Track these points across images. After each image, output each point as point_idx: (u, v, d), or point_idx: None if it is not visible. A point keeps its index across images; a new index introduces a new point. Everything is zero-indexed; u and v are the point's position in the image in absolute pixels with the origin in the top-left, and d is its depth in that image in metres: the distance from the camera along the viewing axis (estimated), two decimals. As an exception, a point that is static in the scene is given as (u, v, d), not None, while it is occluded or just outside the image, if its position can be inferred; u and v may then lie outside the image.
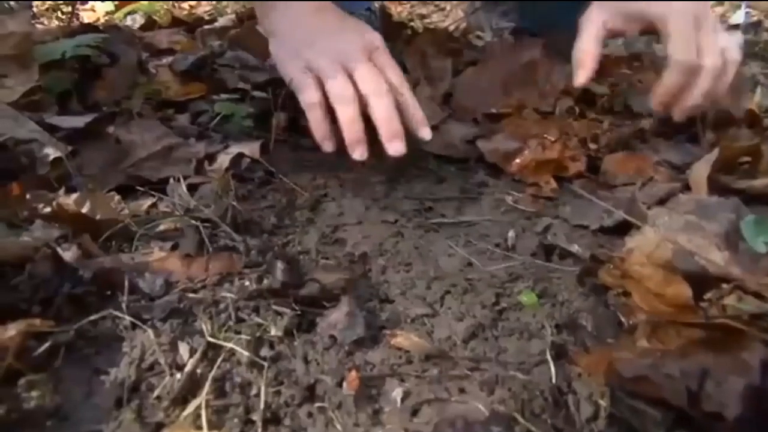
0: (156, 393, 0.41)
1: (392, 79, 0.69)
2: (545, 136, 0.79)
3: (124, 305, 0.47)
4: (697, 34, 0.73)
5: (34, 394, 0.39)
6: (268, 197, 0.68)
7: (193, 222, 0.58)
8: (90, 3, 1.66)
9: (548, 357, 0.46)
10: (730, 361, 0.40)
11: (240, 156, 0.73)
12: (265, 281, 0.50)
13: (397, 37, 1.31)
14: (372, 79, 0.67)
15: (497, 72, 0.98)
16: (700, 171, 0.68)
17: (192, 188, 0.65)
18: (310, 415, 0.41)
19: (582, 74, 0.78)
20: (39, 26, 1.38)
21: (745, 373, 0.38)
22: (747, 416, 0.36)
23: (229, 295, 0.50)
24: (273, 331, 0.46)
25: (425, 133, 0.69)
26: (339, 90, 0.67)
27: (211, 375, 0.42)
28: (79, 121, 0.72)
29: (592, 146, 0.81)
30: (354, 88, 0.67)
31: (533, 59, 0.98)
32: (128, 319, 0.46)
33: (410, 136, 0.73)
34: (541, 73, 0.97)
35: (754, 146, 0.72)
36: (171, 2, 1.65)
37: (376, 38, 0.70)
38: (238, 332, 0.46)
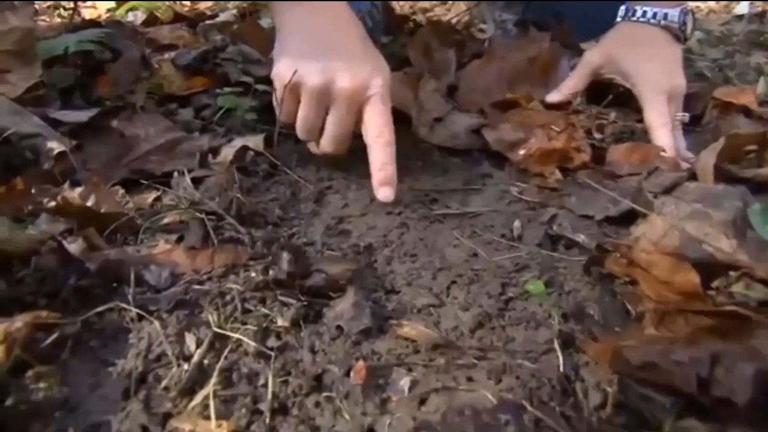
0: (163, 384, 0.41)
1: (369, 131, 0.65)
2: (551, 126, 0.79)
3: (130, 297, 0.47)
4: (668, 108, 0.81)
5: (41, 385, 0.39)
6: (272, 190, 0.68)
7: (198, 215, 0.58)
8: (91, 0, 1.66)
9: (556, 346, 0.46)
10: (739, 348, 0.40)
11: (244, 149, 0.72)
12: (271, 272, 0.50)
13: (400, 30, 1.31)
14: (333, 131, 0.67)
15: (502, 66, 0.98)
16: (707, 159, 0.67)
17: (196, 181, 0.65)
18: (317, 404, 0.41)
19: (554, 96, 0.89)
20: (41, 23, 1.38)
21: (754, 359, 0.38)
22: (757, 401, 0.36)
23: (235, 286, 0.50)
24: (280, 322, 0.46)
25: (381, 194, 0.64)
26: (304, 123, 0.67)
27: (218, 366, 0.42)
28: (82, 116, 0.72)
29: (598, 136, 0.81)
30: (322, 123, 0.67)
31: (539, 53, 0.98)
32: (134, 310, 0.46)
33: (414, 131, 0.73)
34: (547, 66, 0.96)
35: (760, 135, 0.72)
36: (171, 0, 1.64)
37: (376, 83, 0.64)
38: (244, 323, 0.46)
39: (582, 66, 0.89)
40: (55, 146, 0.65)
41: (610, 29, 0.90)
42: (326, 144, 0.68)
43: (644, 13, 0.85)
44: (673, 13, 0.84)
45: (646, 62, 0.84)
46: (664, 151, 0.76)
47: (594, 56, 0.89)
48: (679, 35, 0.85)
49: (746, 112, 0.86)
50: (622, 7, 0.89)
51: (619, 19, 0.89)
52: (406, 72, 0.97)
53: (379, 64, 0.67)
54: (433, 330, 0.47)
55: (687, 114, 0.84)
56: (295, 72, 0.64)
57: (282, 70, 0.65)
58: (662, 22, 0.84)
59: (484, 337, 0.47)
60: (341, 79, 0.63)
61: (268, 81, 0.83)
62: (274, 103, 0.70)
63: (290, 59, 0.65)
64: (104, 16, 1.52)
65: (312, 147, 0.72)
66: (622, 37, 0.88)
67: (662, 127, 0.79)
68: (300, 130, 0.69)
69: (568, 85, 0.89)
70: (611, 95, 0.89)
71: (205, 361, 0.43)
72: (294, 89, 0.65)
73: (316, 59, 0.64)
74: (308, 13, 0.66)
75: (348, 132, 0.67)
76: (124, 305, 0.46)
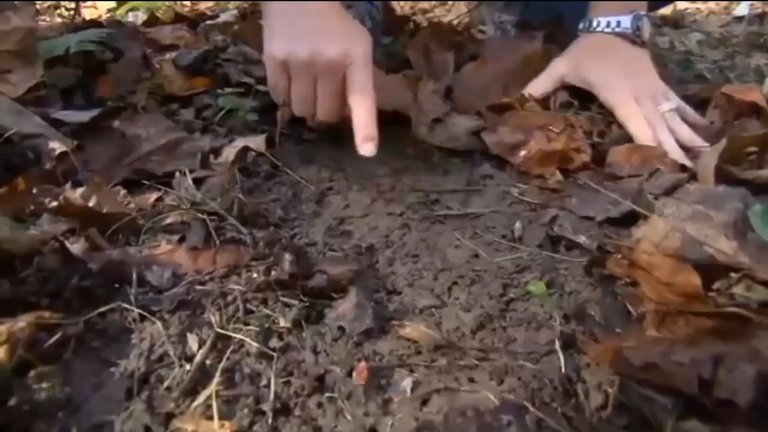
0: (166, 384, 0.41)
1: (354, 94, 0.70)
2: (549, 127, 0.79)
3: (132, 297, 0.47)
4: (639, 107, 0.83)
5: (44, 385, 0.39)
6: (274, 190, 0.68)
7: (200, 215, 0.58)
8: (91, 0, 1.66)
9: (557, 347, 0.46)
10: (741, 349, 0.40)
11: (245, 149, 0.72)
12: (273, 273, 0.50)
13: (400, 31, 1.31)
14: (323, 100, 0.72)
15: (497, 67, 0.98)
16: (708, 161, 0.67)
17: (198, 182, 0.65)
18: (320, 405, 0.41)
19: (530, 89, 0.91)
20: (41, 23, 1.37)
21: (756, 361, 0.38)
22: (759, 403, 0.36)
23: (237, 287, 0.50)
24: (282, 323, 0.46)
25: (365, 150, 0.69)
26: (298, 96, 0.73)
27: (220, 366, 0.42)
28: (84, 116, 0.72)
29: (597, 139, 0.81)
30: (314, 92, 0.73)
31: (533, 53, 0.98)
32: (137, 311, 0.46)
33: (414, 132, 0.73)
34: (541, 66, 0.96)
35: (761, 137, 0.72)
36: (172, 1, 1.64)
37: (356, 51, 0.69)
38: (246, 324, 0.46)
39: (548, 72, 0.92)
40: (57, 146, 0.65)
41: (573, 42, 0.94)
42: (320, 114, 0.74)
43: (598, 23, 0.90)
44: (625, 20, 0.88)
45: (605, 68, 0.87)
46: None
47: (559, 65, 0.92)
48: (635, 39, 0.88)
49: (756, 111, 0.85)
50: (582, 22, 0.94)
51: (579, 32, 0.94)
52: (405, 74, 0.97)
53: (359, 35, 0.72)
54: (434, 331, 0.47)
55: (671, 102, 0.83)
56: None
57: (272, 51, 0.71)
58: (616, 30, 0.89)
59: (486, 338, 0.47)
60: (324, 50, 0.69)
61: (269, 81, 0.83)
62: (269, 84, 0.75)
63: (278, 40, 0.71)
64: (105, 17, 1.52)
65: (309, 122, 0.78)
66: (582, 48, 0.92)
67: (633, 118, 0.81)
68: (295, 105, 0.74)
69: (535, 87, 0.91)
70: None
71: (208, 362, 0.43)
72: (284, 66, 0.71)
73: (302, 36, 0.70)
74: (290, 3, 0.73)
75: (337, 100, 0.72)
76: (126, 305, 0.46)
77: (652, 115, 0.81)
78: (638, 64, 0.88)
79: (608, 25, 0.89)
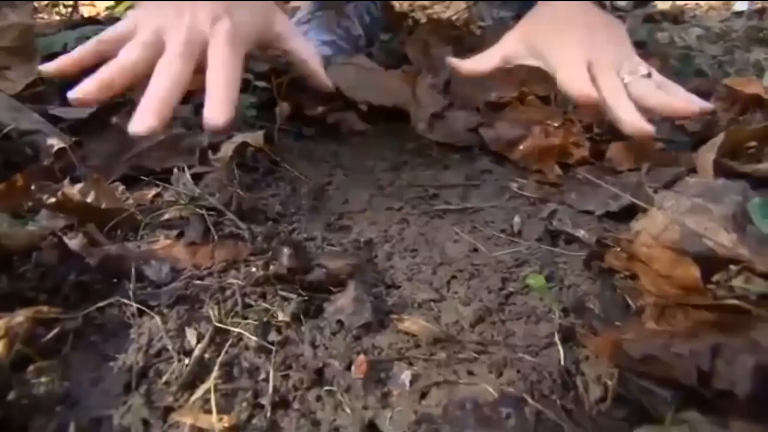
0: (164, 378, 0.41)
1: (211, 56, 0.59)
2: (548, 122, 0.79)
3: (130, 292, 0.47)
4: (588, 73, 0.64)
5: (43, 380, 0.39)
6: (272, 186, 0.68)
7: (198, 210, 0.58)
8: (90, -1, 1.65)
9: (556, 339, 0.46)
10: (740, 341, 0.40)
11: (244, 145, 0.72)
12: (272, 267, 0.50)
13: (399, 27, 1.31)
14: (168, 62, 0.59)
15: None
16: (707, 155, 0.67)
17: (196, 177, 0.65)
18: (318, 398, 0.41)
19: (465, 65, 0.76)
20: (40, 20, 1.37)
21: (755, 352, 0.38)
22: (757, 394, 0.36)
23: (235, 281, 0.50)
24: (280, 317, 0.46)
25: (213, 119, 0.55)
26: (124, 55, 0.60)
27: (219, 360, 0.42)
28: (82, 112, 0.72)
29: (597, 130, 0.81)
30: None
31: None
32: (135, 306, 0.46)
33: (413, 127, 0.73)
34: None
35: (760, 130, 0.72)
36: None
37: (222, 10, 0.60)
38: (245, 318, 0.46)
39: (497, 46, 0.75)
40: (55, 143, 0.65)
41: (529, 12, 0.77)
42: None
43: None
44: None
45: (559, 35, 0.70)
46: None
47: (510, 39, 0.74)
48: (604, 5, 0.79)
49: (758, 103, 0.85)
50: None
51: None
52: (404, 70, 0.97)
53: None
54: (433, 324, 0.47)
55: (642, 70, 0.66)
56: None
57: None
58: None
59: (485, 331, 0.47)
60: (188, 10, 0.59)
61: (267, 77, 0.84)
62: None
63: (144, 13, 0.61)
64: (103, 14, 1.52)
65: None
66: (538, 17, 0.75)
67: (569, 68, 0.65)
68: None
69: (483, 61, 0.75)
70: None
71: (206, 356, 0.43)
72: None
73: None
74: None
75: (184, 64, 0.59)
76: (124, 300, 0.46)
77: (608, 83, 0.63)
78: (605, 30, 0.70)
79: None
